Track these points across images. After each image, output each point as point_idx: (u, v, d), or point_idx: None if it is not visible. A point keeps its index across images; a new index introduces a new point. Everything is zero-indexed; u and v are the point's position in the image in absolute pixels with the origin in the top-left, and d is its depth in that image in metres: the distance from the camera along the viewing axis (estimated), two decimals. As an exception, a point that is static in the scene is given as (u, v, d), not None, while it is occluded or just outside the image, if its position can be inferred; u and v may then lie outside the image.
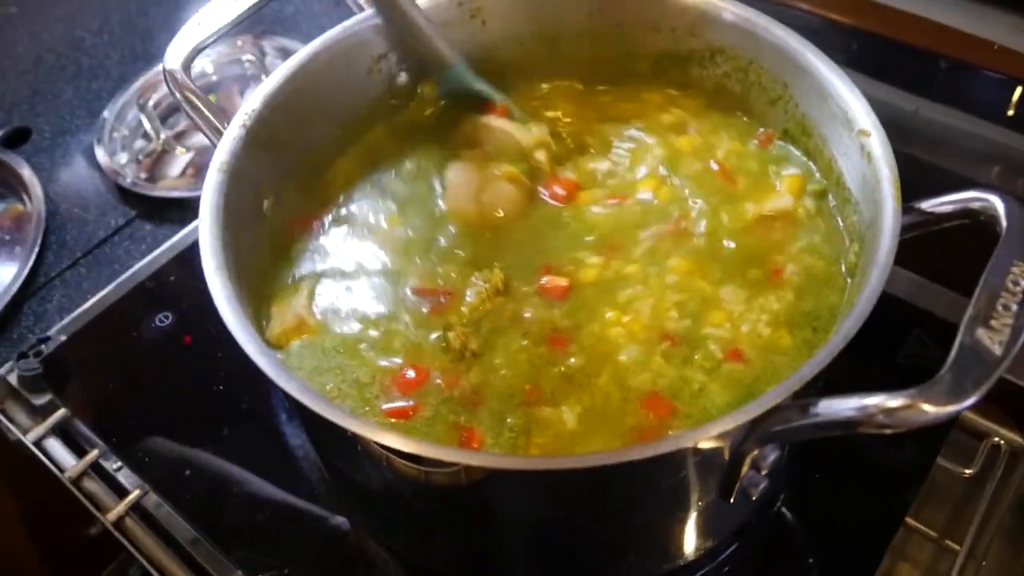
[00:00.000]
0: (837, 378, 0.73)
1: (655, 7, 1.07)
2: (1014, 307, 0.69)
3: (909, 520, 1.00)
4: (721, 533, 0.95)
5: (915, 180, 0.86)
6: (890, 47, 1.25)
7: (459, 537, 0.91)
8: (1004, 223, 0.75)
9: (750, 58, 1.04)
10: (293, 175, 1.02)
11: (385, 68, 1.09)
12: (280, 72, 0.99)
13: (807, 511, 1.01)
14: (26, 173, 1.50)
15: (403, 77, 1.11)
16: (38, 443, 1.14)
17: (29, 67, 1.74)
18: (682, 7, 1.06)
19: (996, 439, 1.07)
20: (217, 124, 0.94)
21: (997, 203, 0.77)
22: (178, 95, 0.94)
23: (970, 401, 0.65)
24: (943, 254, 1.03)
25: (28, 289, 1.35)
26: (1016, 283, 0.71)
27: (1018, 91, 1.24)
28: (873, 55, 1.27)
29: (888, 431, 0.66)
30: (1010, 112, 1.27)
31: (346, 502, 1.03)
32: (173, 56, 0.95)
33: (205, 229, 0.83)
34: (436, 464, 0.72)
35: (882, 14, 1.20)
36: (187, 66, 0.95)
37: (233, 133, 0.92)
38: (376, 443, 0.70)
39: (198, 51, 0.96)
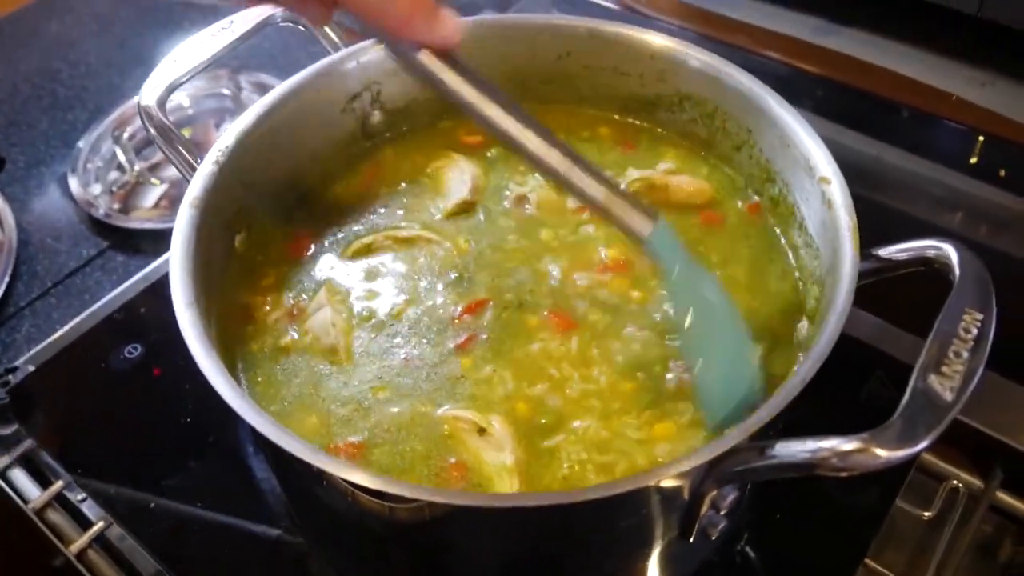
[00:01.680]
0: (800, 416, 0.74)
1: (623, 53, 1.10)
2: (965, 354, 0.71)
3: (868, 561, 1.01)
4: (683, 572, 0.96)
5: (878, 224, 0.89)
6: (853, 95, 1.28)
7: (422, 570, 0.92)
8: (957, 272, 0.78)
9: (716, 104, 1.07)
10: (266, 211, 1.03)
11: (359, 107, 1.11)
12: (254, 109, 1.00)
13: (769, 551, 1.02)
14: (-1, 202, 1.50)
15: (376, 116, 1.13)
16: (2, 473, 1.13)
17: (5, 96, 1.76)
18: (651, 53, 1.08)
19: (955, 482, 1.08)
20: (190, 159, 0.95)
21: (951, 252, 0.80)
22: (152, 131, 0.95)
23: (921, 446, 0.66)
24: (905, 297, 1.05)
25: (-3, 318, 1.36)
26: (968, 330, 0.73)
27: (979, 141, 1.28)
28: (837, 102, 1.30)
29: (843, 474, 0.67)
30: (972, 160, 1.31)
31: (309, 533, 1.03)
32: (148, 93, 0.96)
33: (176, 263, 0.84)
34: (397, 499, 0.73)
35: (846, 63, 1.23)
36: (162, 103, 0.96)
37: (206, 169, 0.93)
38: (339, 478, 0.71)
39: (173, 88, 0.97)
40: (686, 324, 0.89)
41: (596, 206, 0.85)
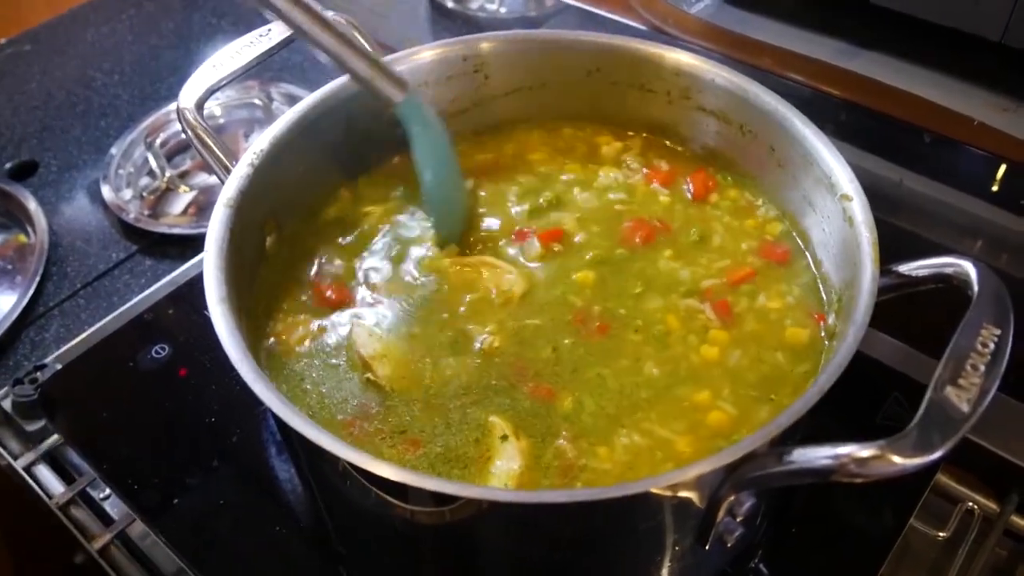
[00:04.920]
0: (818, 435, 0.75)
1: (650, 70, 1.11)
2: (982, 367, 0.72)
3: (883, 581, 1.01)
4: (698, 582, 0.97)
5: (901, 248, 0.89)
6: (876, 119, 1.28)
7: (442, 569, 0.93)
8: (975, 288, 0.79)
9: (740, 122, 1.08)
10: (297, 214, 1.06)
11: (389, 116, 1.13)
12: (289, 115, 1.03)
13: (782, 566, 1.02)
14: (32, 205, 1.53)
15: (407, 126, 1.15)
16: (28, 469, 1.15)
17: (40, 103, 1.79)
18: (677, 71, 1.10)
19: (970, 504, 1.08)
20: (226, 162, 0.98)
21: (969, 268, 0.80)
22: (190, 133, 0.98)
23: (936, 455, 0.67)
24: (925, 320, 1.06)
25: (27, 318, 1.38)
26: (985, 345, 0.73)
27: (1002, 168, 1.28)
28: (860, 126, 1.31)
29: (859, 480, 0.68)
30: (994, 188, 1.31)
31: (332, 532, 1.04)
32: (187, 96, 0.98)
33: (210, 260, 0.85)
34: (415, 492, 0.75)
35: (869, 87, 1.24)
36: (200, 106, 0.98)
37: (241, 171, 0.95)
38: (363, 469, 0.72)
39: (211, 92, 1.00)
40: (427, 176, 1.05)
41: (356, 76, 1.00)
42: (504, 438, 0.86)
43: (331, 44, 0.97)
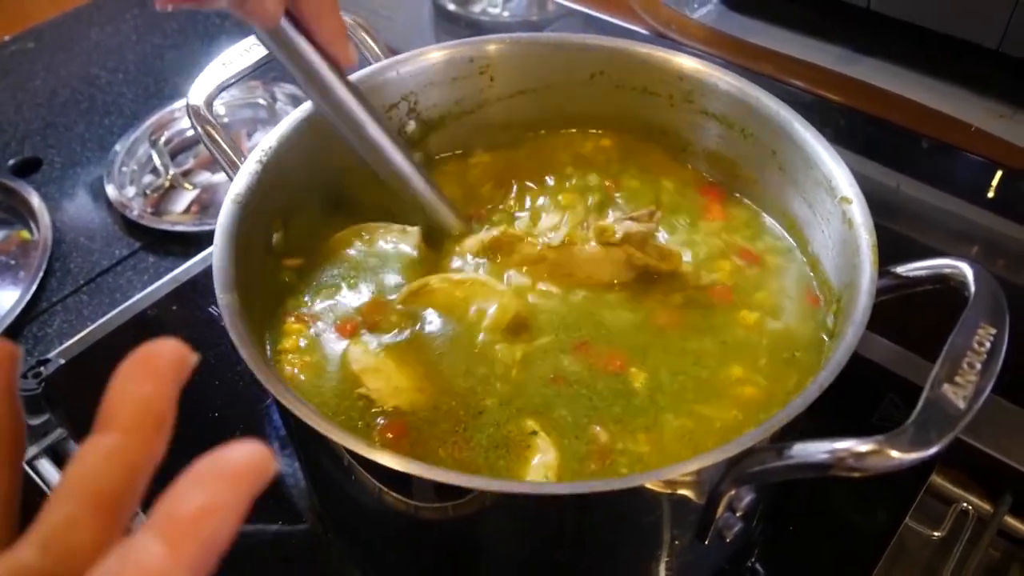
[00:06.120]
0: (815, 435, 0.75)
1: (653, 73, 1.13)
2: (979, 366, 0.73)
3: (877, 580, 1.02)
4: (695, 579, 0.98)
5: (897, 254, 0.90)
6: (875, 125, 1.29)
7: (444, 563, 0.94)
8: (972, 288, 0.80)
9: (741, 126, 1.09)
10: (303, 212, 1.06)
11: (395, 117, 1.14)
12: (296, 114, 1.04)
13: (780, 564, 1.03)
14: (35, 201, 1.54)
15: (412, 126, 1.16)
16: (30, 463, 1.16)
17: (44, 100, 1.80)
18: (680, 75, 1.11)
19: (964, 504, 1.09)
20: (234, 158, 0.99)
21: (966, 269, 0.82)
22: (199, 129, 0.99)
23: (933, 450, 0.68)
24: (919, 324, 1.07)
25: (30, 313, 1.38)
26: (982, 344, 0.75)
27: (998, 174, 1.29)
28: (858, 131, 1.32)
29: (857, 475, 0.69)
30: (990, 194, 1.32)
31: (334, 528, 1.05)
32: (197, 92, 0.99)
33: (219, 253, 0.86)
34: (419, 485, 0.76)
35: (868, 93, 1.25)
36: (210, 103, 0.99)
37: (250, 168, 0.96)
38: (369, 460, 0.73)
39: (221, 89, 1.01)
40: None
41: (421, 198, 1.04)
42: (534, 434, 0.87)
43: (404, 165, 1.02)
